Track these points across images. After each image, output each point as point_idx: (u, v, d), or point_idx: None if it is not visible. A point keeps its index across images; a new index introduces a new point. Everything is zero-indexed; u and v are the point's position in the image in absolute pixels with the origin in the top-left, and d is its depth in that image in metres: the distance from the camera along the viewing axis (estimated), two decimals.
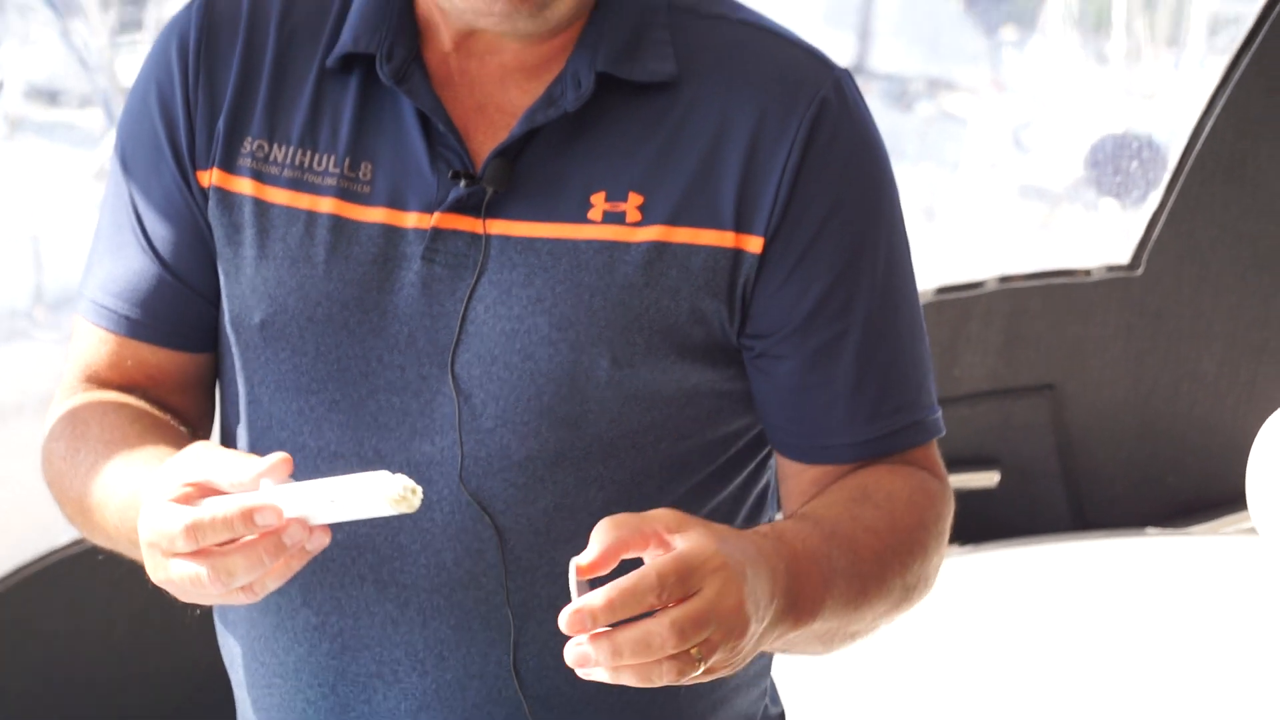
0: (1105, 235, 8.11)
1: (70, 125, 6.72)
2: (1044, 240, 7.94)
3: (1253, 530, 2.44)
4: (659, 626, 1.35)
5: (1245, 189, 2.84)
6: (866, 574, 1.61)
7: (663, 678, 1.38)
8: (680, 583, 1.37)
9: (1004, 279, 2.88)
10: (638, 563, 1.40)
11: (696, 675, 1.40)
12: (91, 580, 2.75)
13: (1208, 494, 2.86)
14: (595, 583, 1.38)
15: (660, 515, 1.42)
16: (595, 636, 1.35)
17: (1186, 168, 2.83)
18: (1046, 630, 2.79)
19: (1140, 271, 2.87)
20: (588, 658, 1.35)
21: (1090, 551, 2.84)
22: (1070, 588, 2.83)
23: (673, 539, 1.40)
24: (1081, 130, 9.04)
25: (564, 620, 1.35)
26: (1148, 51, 9.69)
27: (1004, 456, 2.82)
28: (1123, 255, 2.88)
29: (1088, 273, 2.89)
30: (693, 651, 1.38)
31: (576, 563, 1.38)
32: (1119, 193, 8.49)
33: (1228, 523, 2.83)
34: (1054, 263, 7.63)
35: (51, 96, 6.75)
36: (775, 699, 1.90)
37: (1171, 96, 9.35)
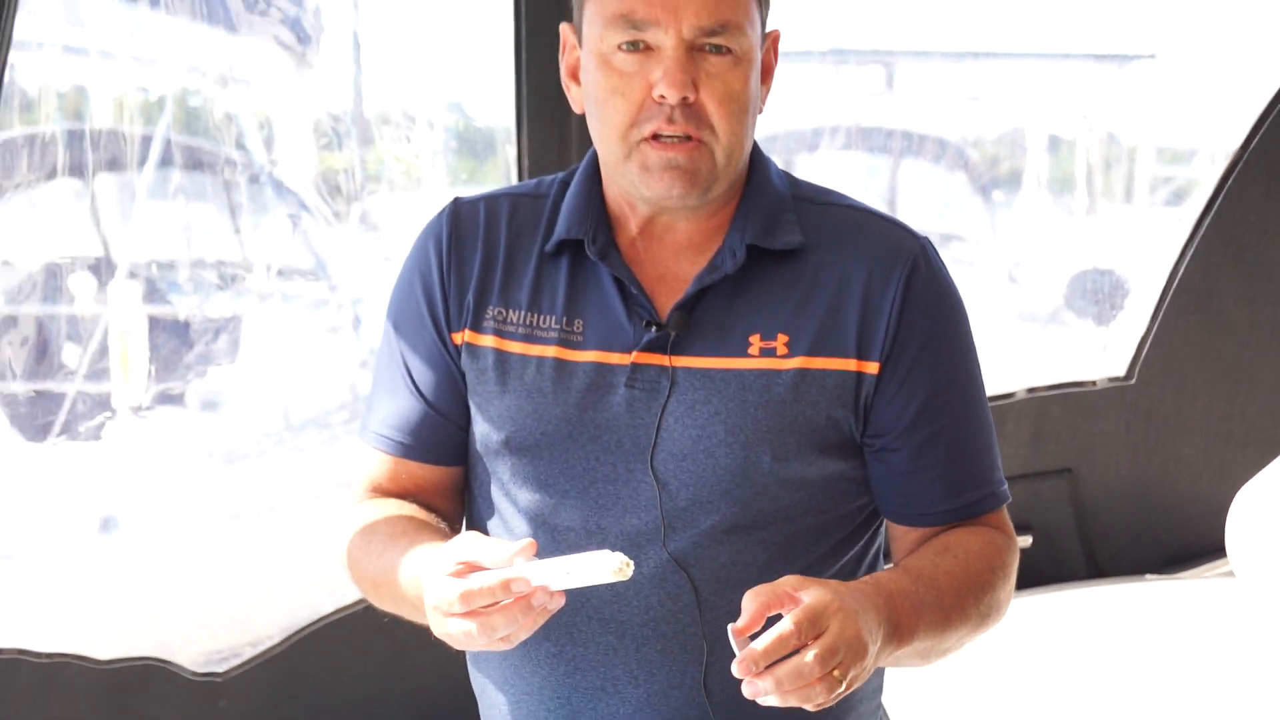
0: (1082, 345, 8.13)
1: (303, 295, 6.82)
2: (1039, 352, 7.96)
3: (1229, 574, 2.46)
4: (805, 660, 1.45)
5: (1211, 318, 2.84)
6: (948, 605, 1.68)
7: (819, 697, 1.47)
8: (812, 626, 1.46)
9: (1030, 390, 2.89)
10: (777, 616, 1.49)
11: (840, 691, 1.48)
12: (351, 637, 2.81)
13: (1191, 548, 2.87)
14: (752, 636, 1.48)
15: (787, 580, 1.51)
16: (760, 674, 1.44)
17: (1166, 302, 2.86)
18: (1071, 656, 2.81)
19: (1134, 381, 2.88)
20: (759, 690, 1.45)
21: (1103, 595, 2.86)
22: (1088, 623, 2.85)
23: (799, 595, 1.49)
24: (1058, 267, 9.07)
25: (737, 668, 1.45)
26: (1103, 205, 9.72)
27: (1034, 523, 2.86)
28: (1119, 368, 2.92)
29: (1094, 383, 2.88)
30: (835, 673, 1.47)
31: (733, 627, 1.48)
32: (1091, 314, 8.48)
33: (1208, 569, 2.80)
34: (1048, 368, 7.62)
35: (289, 273, 6.85)
36: (885, 715, 1.96)
37: (1124, 240, 9.38)
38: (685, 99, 1.62)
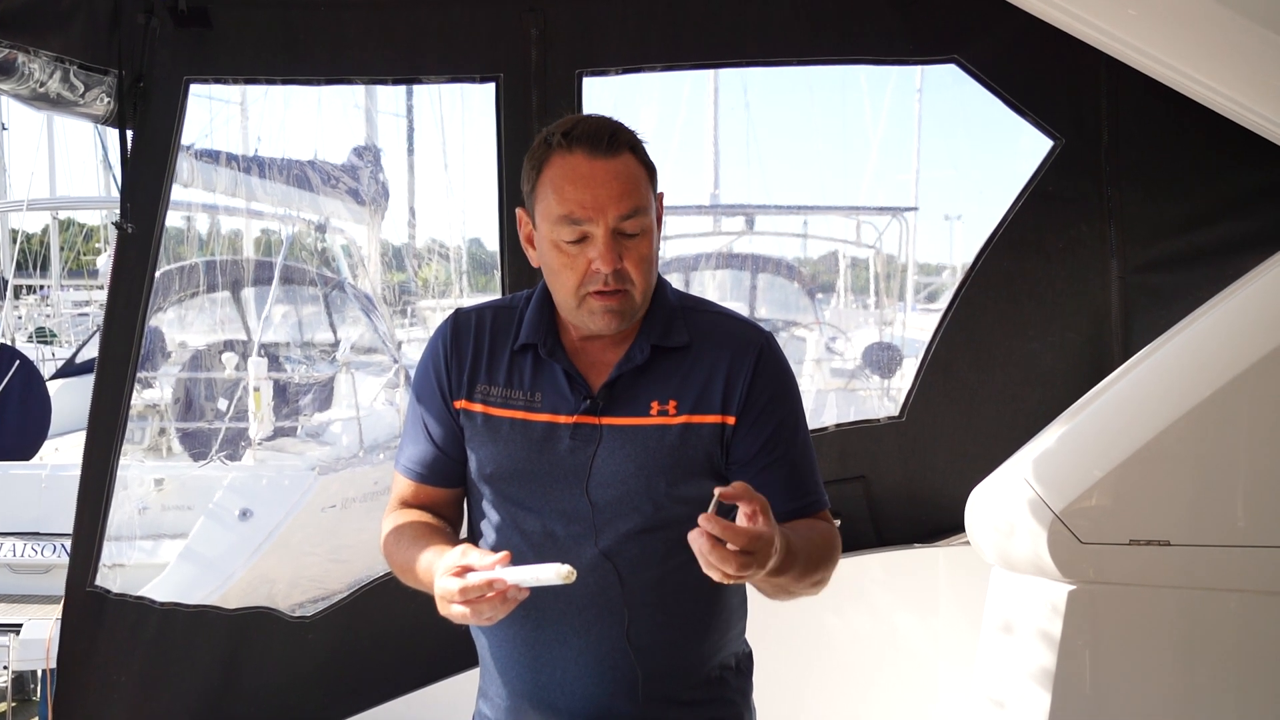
0: (872, 395, 8.25)
1: (372, 363, 6.83)
2: (845, 398, 8.10)
3: (966, 543, 2.42)
4: (739, 542, 1.38)
5: (954, 378, 2.79)
6: (806, 554, 1.56)
7: (727, 565, 1.38)
8: (751, 542, 1.39)
9: (838, 425, 2.85)
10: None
11: (736, 572, 1.39)
12: (396, 592, 2.66)
13: (942, 526, 2.79)
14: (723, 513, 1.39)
15: (763, 504, 1.42)
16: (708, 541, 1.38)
17: (925, 367, 2.83)
18: (865, 596, 2.84)
19: (905, 419, 2.85)
20: (700, 546, 1.38)
21: (886, 557, 2.83)
22: (877, 575, 2.84)
23: (758, 520, 1.41)
24: (858, 343, 9.19)
25: (702, 520, 1.38)
26: (885, 303, 9.89)
27: (841, 512, 2.76)
28: (895, 410, 2.87)
29: (879, 420, 2.86)
30: (742, 558, 1.38)
31: (719, 490, 1.39)
32: (878, 374, 8.64)
33: (954, 539, 2.74)
34: (850, 410, 7.70)
35: (364, 350, 6.88)
36: (747, 643, 1.82)
37: (899, 326, 9.58)
38: (614, 269, 1.57)
